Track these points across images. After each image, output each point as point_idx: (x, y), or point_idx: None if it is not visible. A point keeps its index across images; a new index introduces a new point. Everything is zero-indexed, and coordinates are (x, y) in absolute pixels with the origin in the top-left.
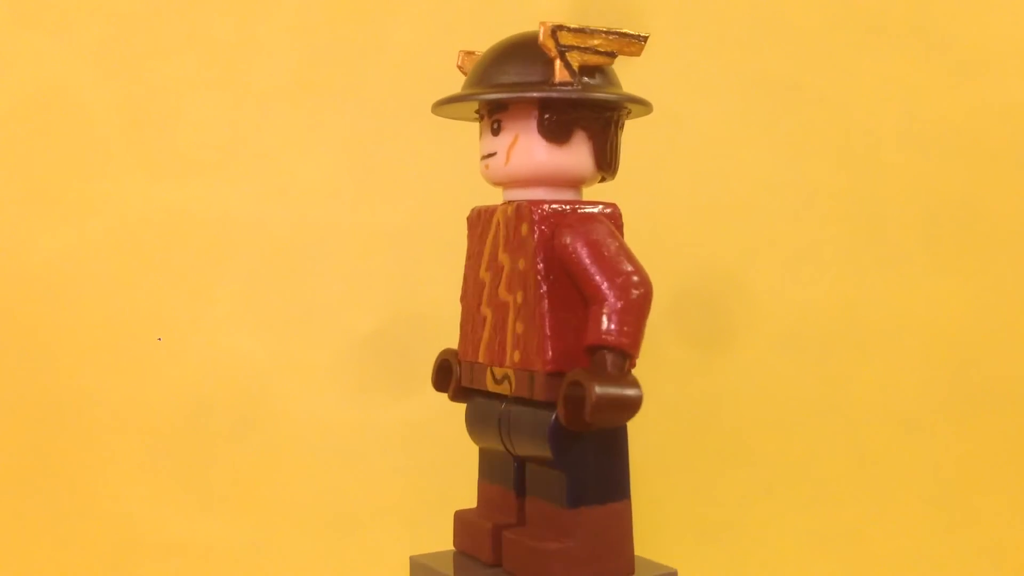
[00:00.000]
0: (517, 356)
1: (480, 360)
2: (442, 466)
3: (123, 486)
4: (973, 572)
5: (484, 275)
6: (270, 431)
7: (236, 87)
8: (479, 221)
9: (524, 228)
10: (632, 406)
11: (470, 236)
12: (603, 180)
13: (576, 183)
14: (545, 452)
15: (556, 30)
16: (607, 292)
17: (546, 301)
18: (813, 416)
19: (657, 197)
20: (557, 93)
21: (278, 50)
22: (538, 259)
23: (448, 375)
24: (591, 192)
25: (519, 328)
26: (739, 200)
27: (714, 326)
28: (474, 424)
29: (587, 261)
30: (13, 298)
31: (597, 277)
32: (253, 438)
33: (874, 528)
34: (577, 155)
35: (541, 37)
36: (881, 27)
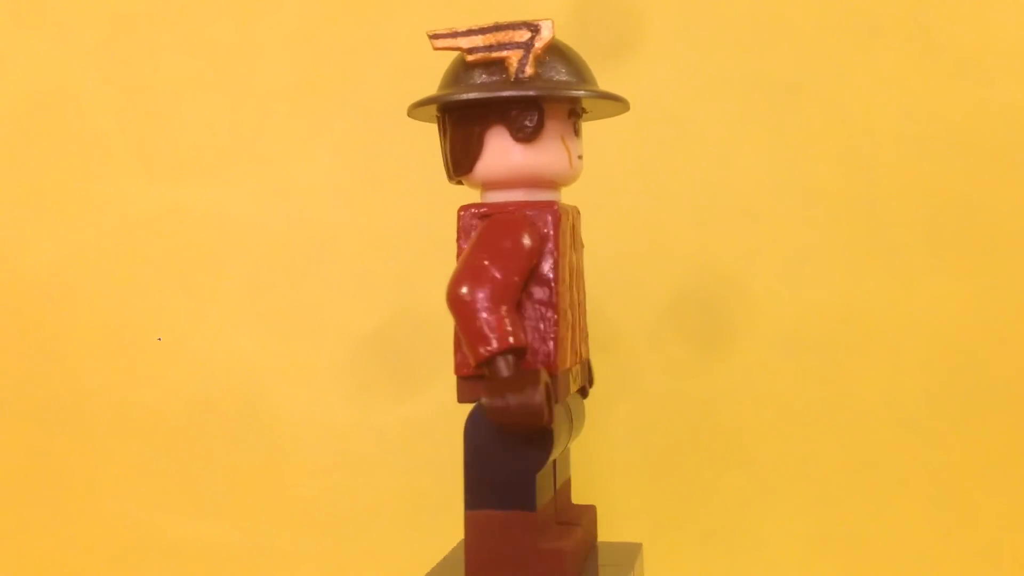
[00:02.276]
0: (585, 349)
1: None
2: (442, 466)
3: (123, 486)
4: (973, 572)
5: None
6: (270, 431)
7: (236, 88)
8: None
9: (578, 225)
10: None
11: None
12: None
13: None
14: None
15: None
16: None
17: None
18: (813, 417)
19: (657, 197)
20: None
21: (278, 51)
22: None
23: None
24: (567, 191)
25: (583, 322)
26: (739, 200)
27: (714, 327)
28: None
29: None
30: (13, 298)
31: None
32: (253, 438)
33: (874, 528)
34: None
35: (543, 40)
36: (881, 27)
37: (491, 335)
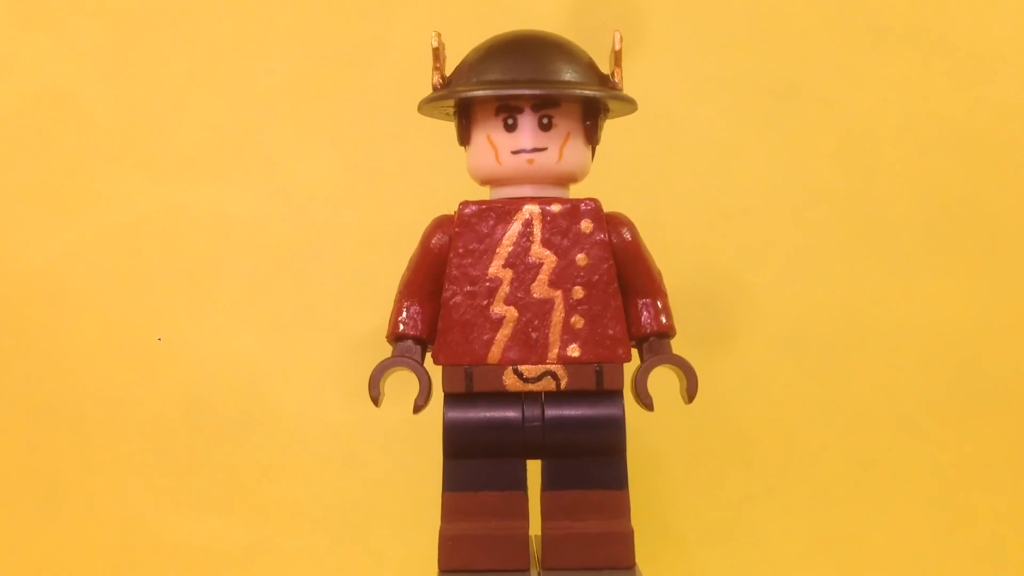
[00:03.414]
0: (577, 350)
1: (494, 361)
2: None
3: (123, 486)
4: (973, 572)
5: (502, 272)
6: (270, 431)
7: (236, 87)
8: (484, 216)
9: (588, 225)
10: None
11: (465, 233)
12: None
13: (579, 182)
14: (615, 439)
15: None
16: (661, 286)
17: (617, 296)
18: (813, 416)
19: (657, 197)
20: (623, 99)
21: (278, 50)
22: (608, 255)
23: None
24: (582, 188)
25: (578, 322)
26: (739, 200)
27: (714, 326)
28: (474, 431)
29: (645, 257)
30: (13, 298)
31: (653, 272)
32: (253, 438)
33: (874, 528)
34: (590, 156)
35: (618, 45)
36: (881, 27)
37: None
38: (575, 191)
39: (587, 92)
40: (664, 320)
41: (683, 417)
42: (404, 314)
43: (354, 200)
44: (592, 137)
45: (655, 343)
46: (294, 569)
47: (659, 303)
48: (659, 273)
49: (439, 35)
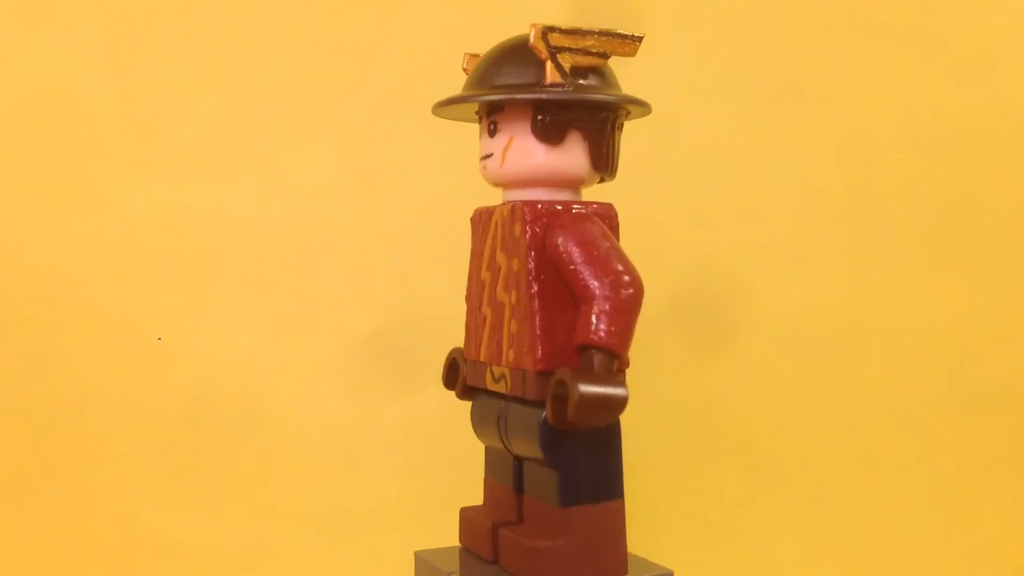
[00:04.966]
0: (512, 355)
1: (481, 359)
2: (442, 465)
3: (123, 486)
4: (973, 572)
5: (485, 275)
6: (270, 431)
7: (236, 87)
8: (480, 221)
9: (517, 228)
10: (617, 406)
11: (473, 236)
12: (602, 181)
13: (573, 184)
14: (537, 451)
15: (547, 32)
16: (597, 292)
17: (537, 301)
18: (813, 416)
19: (657, 197)
20: (547, 95)
21: (278, 50)
22: (529, 259)
23: (457, 373)
24: (592, 192)
25: (513, 327)
26: (739, 200)
27: (714, 326)
28: (477, 422)
29: (578, 260)
30: (13, 298)
31: (587, 276)
32: (253, 438)
33: (874, 528)
34: (572, 156)
35: (532, 39)
36: (881, 27)
37: None
38: (590, 194)
39: (491, 97)
40: (586, 331)
41: (683, 417)
42: None
43: (354, 200)
44: (549, 136)
45: (583, 356)
46: (294, 569)
47: (589, 312)
48: (610, 280)
49: (468, 57)
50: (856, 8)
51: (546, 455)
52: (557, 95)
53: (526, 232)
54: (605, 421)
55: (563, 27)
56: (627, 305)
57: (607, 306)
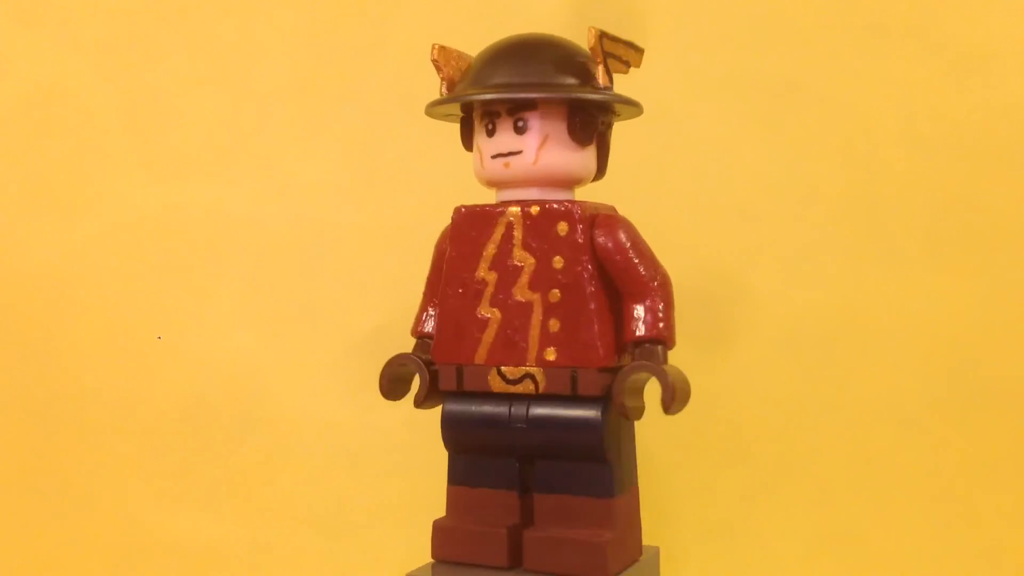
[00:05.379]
0: (553, 354)
1: (480, 362)
2: (442, 465)
3: (123, 485)
4: (973, 572)
5: (487, 275)
6: (270, 431)
7: (236, 87)
8: (473, 220)
9: (563, 227)
10: (689, 394)
11: (456, 236)
12: (595, 180)
13: (578, 184)
14: (593, 446)
15: (603, 36)
16: (652, 288)
17: (596, 299)
18: (813, 416)
19: (657, 197)
20: (602, 96)
21: (278, 50)
22: (585, 258)
23: (403, 384)
24: (590, 192)
25: (555, 326)
26: (739, 200)
27: (714, 326)
28: (465, 427)
29: (633, 259)
30: (13, 298)
31: (640, 274)
32: (253, 438)
33: (874, 528)
34: (591, 157)
35: (591, 41)
36: (881, 27)
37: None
38: (584, 193)
39: (531, 95)
40: (652, 325)
41: (683, 417)
42: (424, 314)
43: (354, 200)
44: (583, 137)
45: (645, 349)
46: (294, 569)
47: (651, 307)
48: (659, 276)
49: (436, 47)
50: (856, 8)
51: (603, 448)
52: (611, 97)
53: (576, 232)
54: (681, 408)
55: (610, 34)
56: (672, 300)
57: (662, 302)
